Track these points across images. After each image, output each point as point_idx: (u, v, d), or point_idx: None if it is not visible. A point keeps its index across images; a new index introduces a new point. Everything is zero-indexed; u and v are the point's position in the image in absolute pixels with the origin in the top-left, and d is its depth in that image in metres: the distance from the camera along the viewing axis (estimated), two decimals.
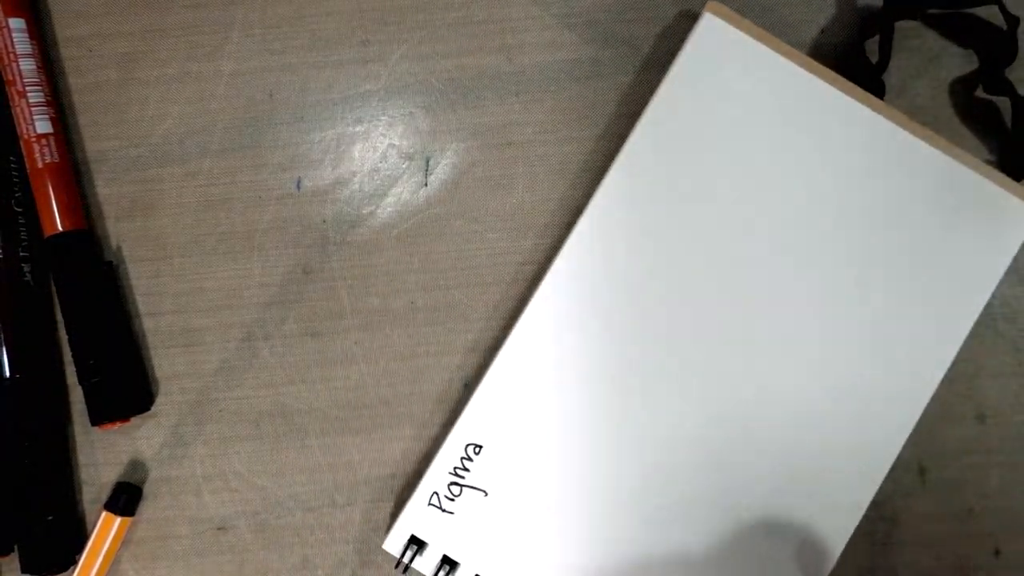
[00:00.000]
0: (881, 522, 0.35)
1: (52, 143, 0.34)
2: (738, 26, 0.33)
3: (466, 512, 0.33)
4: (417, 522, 0.33)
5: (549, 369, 0.33)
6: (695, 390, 0.32)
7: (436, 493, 0.33)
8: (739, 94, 0.33)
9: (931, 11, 0.35)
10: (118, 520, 0.34)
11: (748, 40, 0.33)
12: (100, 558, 0.34)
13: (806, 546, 0.32)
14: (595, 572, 0.33)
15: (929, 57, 0.36)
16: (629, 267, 0.33)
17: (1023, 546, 0.35)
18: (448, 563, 0.33)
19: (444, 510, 0.33)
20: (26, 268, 0.34)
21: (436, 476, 0.33)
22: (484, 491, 0.33)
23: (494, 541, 0.33)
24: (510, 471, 0.33)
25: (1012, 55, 0.34)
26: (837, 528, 0.32)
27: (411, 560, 0.33)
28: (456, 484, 0.33)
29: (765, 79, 0.33)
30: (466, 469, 0.33)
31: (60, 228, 0.34)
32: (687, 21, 0.36)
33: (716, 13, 0.33)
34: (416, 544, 0.33)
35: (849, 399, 0.32)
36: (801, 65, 0.33)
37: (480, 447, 0.33)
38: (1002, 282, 0.34)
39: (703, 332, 0.33)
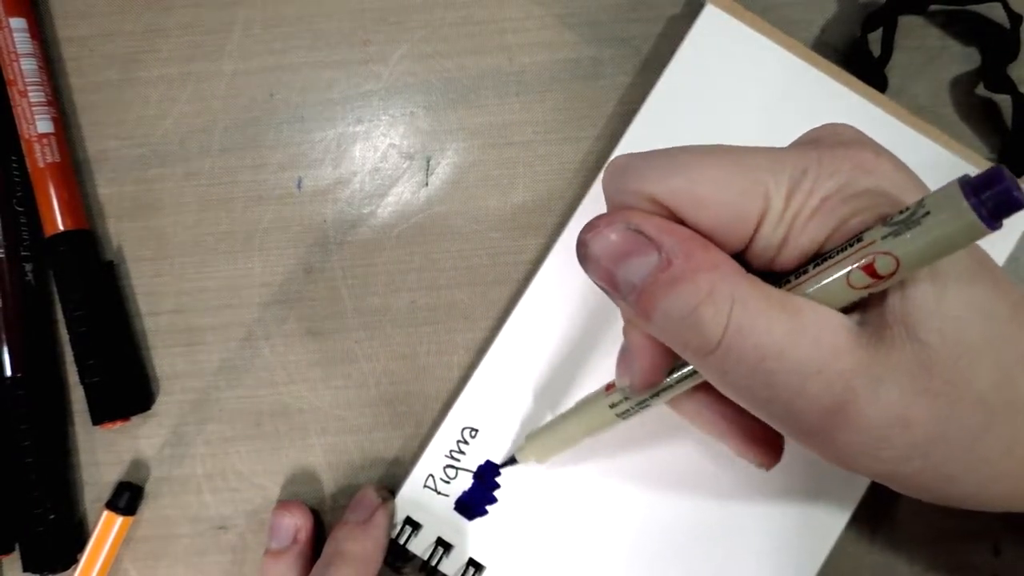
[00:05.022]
0: (881, 522, 0.35)
1: (53, 143, 0.34)
2: (740, 18, 0.33)
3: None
4: (412, 504, 0.33)
5: (546, 353, 0.33)
6: None
7: (432, 475, 0.33)
8: (740, 86, 0.33)
9: (933, 7, 0.35)
10: (119, 519, 0.34)
11: (750, 32, 0.33)
12: (101, 557, 0.34)
13: (799, 541, 0.32)
14: (589, 553, 0.32)
15: (930, 55, 0.36)
16: None
17: (1023, 546, 0.35)
18: (442, 545, 0.33)
19: (439, 492, 0.33)
20: (27, 267, 0.34)
21: (432, 458, 0.33)
22: None
23: (489, 524, 0.33)
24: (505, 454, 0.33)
25: (1015, 53, 0.34)
26: (830, 522, 0.32)
27: (406, 541, 0.33)
28: (452, 467, 0.33)
29: (767, 71, 0.33)
30: (462, 452, 0.33)
31: (61, 228, 0.34)
32: (688, 21, 0.36)
33: (718, 4, 0.33)
34: (411, 526, 0.33)
35: None
36: (803, 58, 0.33)
37: (476, 431, 0.33)
38: None
39: None
